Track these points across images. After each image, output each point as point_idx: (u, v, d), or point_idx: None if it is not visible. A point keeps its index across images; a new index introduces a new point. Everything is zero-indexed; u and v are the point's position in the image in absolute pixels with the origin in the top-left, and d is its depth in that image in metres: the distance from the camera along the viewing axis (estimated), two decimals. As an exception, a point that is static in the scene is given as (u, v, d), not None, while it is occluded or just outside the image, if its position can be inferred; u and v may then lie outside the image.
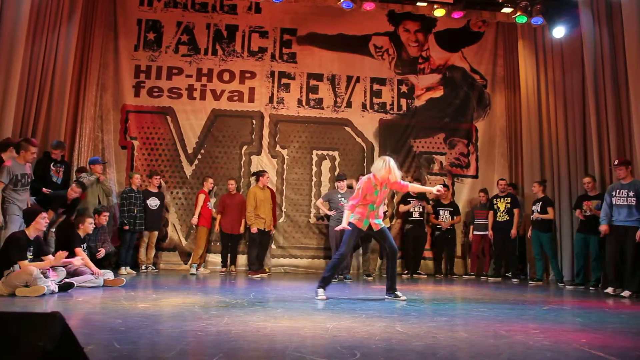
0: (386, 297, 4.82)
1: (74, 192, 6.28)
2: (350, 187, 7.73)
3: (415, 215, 8.02)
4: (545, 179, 7.78)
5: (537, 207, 7.28)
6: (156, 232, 7.63)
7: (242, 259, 8.09)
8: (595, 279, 6.47)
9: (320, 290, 4.71)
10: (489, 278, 7.72)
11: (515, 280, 7.44)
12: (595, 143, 6.83)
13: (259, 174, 7.74)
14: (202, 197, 7.62)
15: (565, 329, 3.44)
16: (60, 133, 7.11)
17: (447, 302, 4.93)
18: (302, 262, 8.26)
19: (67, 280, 4.72)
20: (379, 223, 4.82)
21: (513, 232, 7.64)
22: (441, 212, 8.27)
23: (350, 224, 4.80)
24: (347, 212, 4.83)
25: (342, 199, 7.16)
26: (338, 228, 5.08)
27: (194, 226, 7.76)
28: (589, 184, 6.70)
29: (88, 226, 5.57)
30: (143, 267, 7.40)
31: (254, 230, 7.45)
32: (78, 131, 7.77)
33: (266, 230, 7.60)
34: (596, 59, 6.86)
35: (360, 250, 7.89)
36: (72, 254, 5.24)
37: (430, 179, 8.84)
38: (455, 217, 8.29)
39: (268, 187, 7.91)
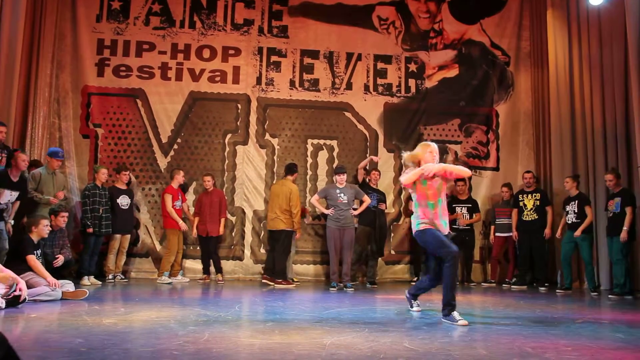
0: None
1: (21, 160, 5.99)
2: (366, 182, 7.74)
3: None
4: (578, 174, 7.73)
5: (572, 207, 7.24)
6: (128, 236, 7.61)
7: (228, 265, 8.09)
8: (616, 284, 6.58)
9: (456, 314, 4.31)
10: (512, 286, 7.72)
11: (542, 289, 7.44)
12: (638, 130, 6.78)
13: (294, 168, 7.67)
14: (168, 197, 7.56)
15: (603, 346, 3.43)
16: (9, 119, 7.00)
17: (463, 313, 4.90)
18: (296, 268, 8.22)
19: (16, 293, 4.63)
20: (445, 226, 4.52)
21: (547, 232, 7.65)
22: (457, 210, 8.26)
23: (423, 231, 4.46)
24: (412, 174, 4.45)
25: (342, 195, 7.13)
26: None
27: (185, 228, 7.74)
28: (611, 182, 6.77)
29: (43, 229, 5.48)
30: (110, 277, 7.35)
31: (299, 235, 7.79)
32: (30, 117, 7.69)
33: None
34: (642, 30, 6.80)
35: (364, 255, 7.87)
36: (22, 262, 5.17)
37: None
38: (474, 215, 8.27)
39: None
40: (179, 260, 7.72)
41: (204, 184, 7.85)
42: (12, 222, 6.09)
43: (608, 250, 6.92)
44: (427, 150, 4.51)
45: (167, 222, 7.61)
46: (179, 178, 7.74)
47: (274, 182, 8.13)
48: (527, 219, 7.77)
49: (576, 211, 7.20)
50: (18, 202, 6.18)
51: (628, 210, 6.60)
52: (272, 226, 7.57)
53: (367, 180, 7.84)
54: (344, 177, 7.28)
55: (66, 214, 6.35)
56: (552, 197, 8.18)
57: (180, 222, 7.57)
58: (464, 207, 8.28)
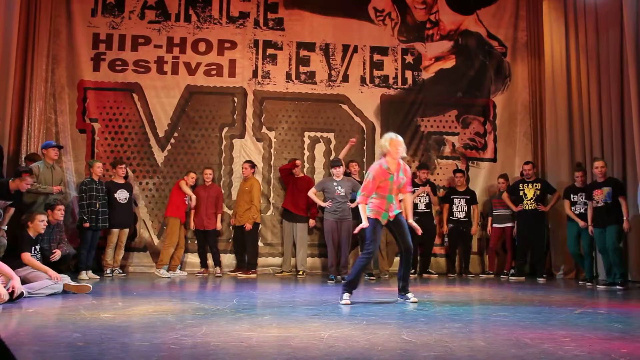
0: (398, 298, 5.01)
1: (26, 183, 6.01)
2: (347, 174, 7.70)
3: (422, 207, 7.98)
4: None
5: (581, 198, 7.19)
6: (127, 230, 7.59)
7: (226, 259, 8.08)
8: (620, 274, 6.53)
9: (346, 295, 4.81)
10: (511, 277, 7.73)
11: (541, 280, 7.45)
12: (635, 119, 6.77)
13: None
14: (184, 184, 7.68)
15: (602, 336, 3.42)
16: (5, 114, 7.00)
17: (461, 305, 4.93)
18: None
19: (9, 291, 4.57)
20: (396, 213, 4.97)
21: (546, 208, 7.69)
22: (456, 201, 8.26)
23: (368, 219, 4.88)
24: (362, 206, 4.90)
25: (339, 187, 7.12)
26: (357, 230, 5.20)
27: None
28: (603, 169, 6.74)
29: (39, 224, 5.42)
30: (108, 271, 7.35)
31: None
32: (26, 112, 7.64)
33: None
34: (638, 19, 6.78)
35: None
36: (18, 259, 5.13)
37: (440, 163, 8.82)
38: (472, 207, 8.28)
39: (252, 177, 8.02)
40: (180, 255, 7.72)
41: (205, 177, 7.84)
42: (5, 227, 6.06)
43: (596, 240, 6.84)
44: (398, 147, 4.88)
45: (171, 208, 7.60)
46: (189, 179, 7.75)
47: (259, 178, 8.18)
48: (527, 208, 7.72)
49: (586, 203, 7.17)
50: (13, 209, 6.16)
51: (622, 200, 6.57)
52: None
53: (348, 171, 7.76)
54: (340, 169, 7.26)
55: (62, 207, 6.31)
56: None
57: (193, 198, 7.62)
58: (462, 198, 8.26)
